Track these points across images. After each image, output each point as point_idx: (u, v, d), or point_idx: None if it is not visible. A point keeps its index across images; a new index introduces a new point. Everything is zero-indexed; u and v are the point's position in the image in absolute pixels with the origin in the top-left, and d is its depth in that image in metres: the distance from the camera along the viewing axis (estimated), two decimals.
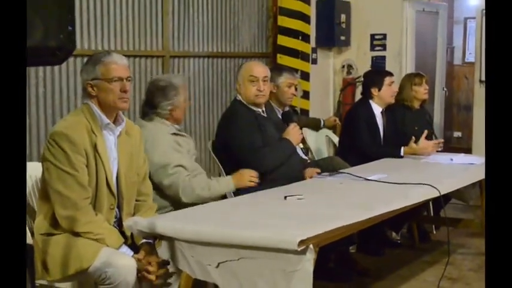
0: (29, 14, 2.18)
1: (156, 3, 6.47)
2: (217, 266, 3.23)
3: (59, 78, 5.52)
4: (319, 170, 4.78)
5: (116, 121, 3.46)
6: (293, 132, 4.96)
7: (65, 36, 2.34)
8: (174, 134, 4.09)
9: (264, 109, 4.78)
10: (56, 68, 5.29)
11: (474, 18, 9.04)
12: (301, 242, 3.04)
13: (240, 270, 3.19)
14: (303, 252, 3.05)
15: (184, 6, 6.81)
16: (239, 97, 4.74)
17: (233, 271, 3.21)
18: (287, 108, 5.34)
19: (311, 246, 3.08)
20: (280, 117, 5.14)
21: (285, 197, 3.89)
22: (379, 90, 5.73)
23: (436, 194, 4.36)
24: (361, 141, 5.63)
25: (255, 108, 4.69)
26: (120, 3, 6.07)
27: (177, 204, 4.09)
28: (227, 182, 4.31)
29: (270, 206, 3.77)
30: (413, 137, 5.71)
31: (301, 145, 5.47)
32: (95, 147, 3.33)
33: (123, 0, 6.10)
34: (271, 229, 3.25)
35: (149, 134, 4.01)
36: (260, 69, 4.79)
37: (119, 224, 3.49)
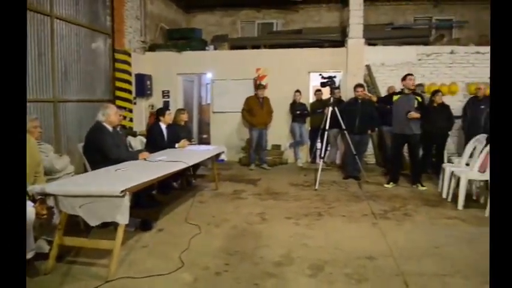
0: None
1: (47, 73, 5.82)
2: (80, 207, 3.04)
3: None
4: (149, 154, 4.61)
5: None
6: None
7: None
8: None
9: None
10: None
11: (209, 83, 9.17)
12: (122, 191, 2.95)
13: (92, 207, 3.05)
14: (124, 196, 2.97)
15: (65, 74, 6.21)
16: (101, 120, 4.30)
17: (89, 208, 3.06)
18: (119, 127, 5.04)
19: (127, 192, 2.99)
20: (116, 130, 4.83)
21: (116, 170, 3.72)
22: (163, 117, 5.61)
23: (187, 165, 4.40)
24: (158, 140, 5.51)
25: (109, 127, 4.33)
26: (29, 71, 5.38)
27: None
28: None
29: (108, 174, 3.57)
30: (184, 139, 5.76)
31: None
32: None
33: (30, 70, 5.42)
34: (108, 185, 3.14)
35: None
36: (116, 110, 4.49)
37: None
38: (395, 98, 6.08)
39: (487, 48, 8.19)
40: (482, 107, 6.93)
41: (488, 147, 5.17)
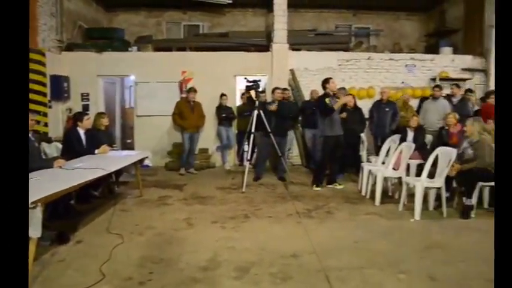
0: None
1: None
2: None
3: None
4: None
5: None
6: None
7: None
8: None
9: None
10: None
11: (133, 86, 8.81)
12: (33, 202, 2.77)
13: None
14: (35, 207, 2.79)
15: None
16: None
17: None
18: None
19: (39, 204, 2.81)
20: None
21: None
22: (81, 121, 5.29)
23: (106, 172, 4.22)
24: (75, 146, 5.20)
25: None
26: None
27: None
28: None
29: None
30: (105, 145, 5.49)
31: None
32: None
33: None
34: None
35: None
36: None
37: None
38: (327, 101, 6.13)
39: (400, 56, 8.91)
40: (387, 109, 7.49)
41: (400, 147, 5.60)
